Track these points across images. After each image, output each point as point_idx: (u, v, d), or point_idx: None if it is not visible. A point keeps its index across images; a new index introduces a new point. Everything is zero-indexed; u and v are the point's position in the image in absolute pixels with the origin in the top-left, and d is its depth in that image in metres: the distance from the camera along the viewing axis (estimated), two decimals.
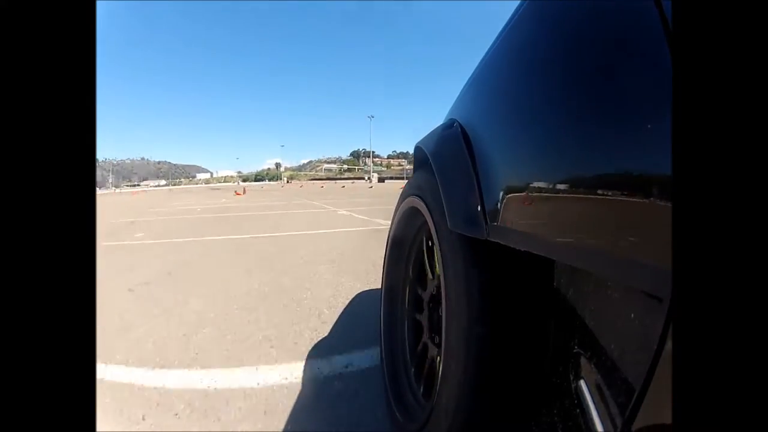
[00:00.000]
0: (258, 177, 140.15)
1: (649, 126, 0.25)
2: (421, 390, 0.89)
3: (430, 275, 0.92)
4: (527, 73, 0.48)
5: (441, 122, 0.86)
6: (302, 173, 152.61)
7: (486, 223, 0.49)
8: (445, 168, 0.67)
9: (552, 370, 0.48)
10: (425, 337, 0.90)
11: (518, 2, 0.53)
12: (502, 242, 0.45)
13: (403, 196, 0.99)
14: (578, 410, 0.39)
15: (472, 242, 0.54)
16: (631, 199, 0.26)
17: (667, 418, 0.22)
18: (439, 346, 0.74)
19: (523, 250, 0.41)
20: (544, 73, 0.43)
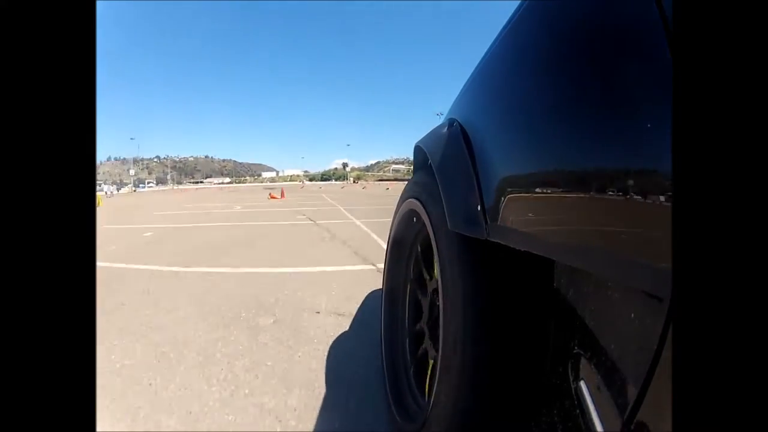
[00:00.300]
0: (324, 177, 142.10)
1: (649, 126, 0.25)
2: (421, 392, 0.89)
3: (428, 276, 0.92)
4: (527, 72, 0.48)
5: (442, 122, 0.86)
6: (369, 173, 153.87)
7: (486, 223, 0.49)
8: (445, 168, 0.67)
9: (552, 370, 0.48)
10: (425, 339, 0.90)
11: (518, 2, 0.53)
12: (502, 242, 0.45)
13: (402, 198, 1.00)
14: (578, 410, 0.39)
15: (470, 243, 0.54)
16: (631, 199, 0.26)
17: (667, 418, 0.22)
18: (438, 348, 0.74)
19: (523, 250, 0.41)
20: (544, 73, 0.43)
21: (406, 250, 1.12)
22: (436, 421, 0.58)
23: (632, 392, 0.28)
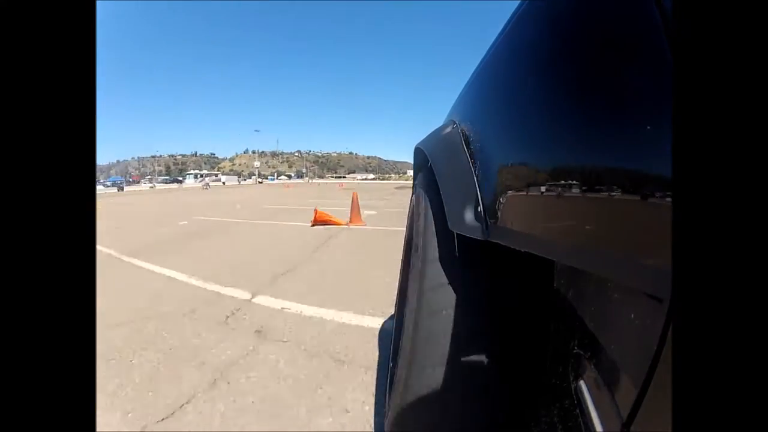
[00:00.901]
0: None
1: (649, 126, 0.25)
2: None
3: None
4: (527, 73, 0.48)
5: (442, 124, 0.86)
6: None
7: (486, 223, 0.49)
8: (445, 169, 0.67)
9: (552, 370, 0.48)
10: None
11: (518, 2, 0.53)
12: (501, 243, 0.45)
13: (411, 195, 1.01)
14: (578, 410, 0.39)
15: (466, 243, 0.54)
16: (631, 199, 0.26)
17: (667, 418, 0.22)
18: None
19: (523, 250, 0.41)
20: (544, 74, 0.43)
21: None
22: (410, 418, 0.60)
23: (632, 392, 0.28)
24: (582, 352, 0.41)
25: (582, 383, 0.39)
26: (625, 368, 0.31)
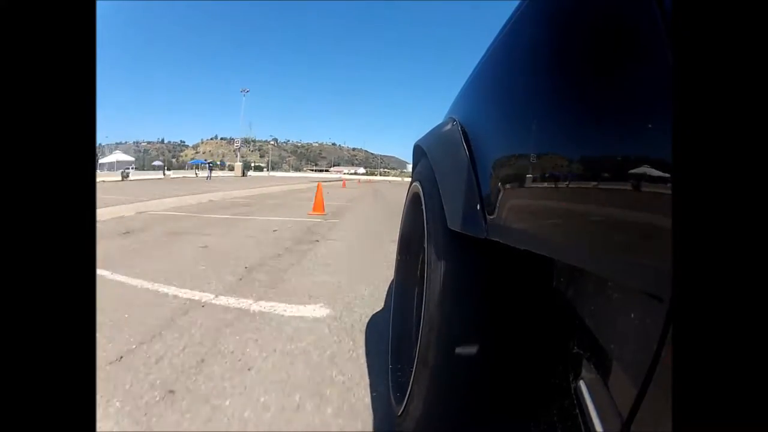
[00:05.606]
0: None
1: (649, 125, 0.25)
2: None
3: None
4: (527, 71, 0.48)
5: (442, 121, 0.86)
6: None
7: (485, 221, 0.48)
8: (445, 167, 0.67)
9: (552, 369, 0.48)
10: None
11: (518, 1, 0.53)
12: (501, 241, 0.45)
13: (409, 185, 1.01)
14: (578, 410, 0.39)
15: (460, 237, 0.55)
16: (631, 199, 0.26)
17: (666, 418, 0.22)
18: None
19: (522, 249, 0.41)
20: (544, 72, 0.43)
21: (415, 243, 1.12)
22: (411, 414, 0.60)
23: (632, 392, 0.28)
24: (582, 352, 0.41)
25: (582, 383, 0.39)
26: (625, 368, 0.31)
